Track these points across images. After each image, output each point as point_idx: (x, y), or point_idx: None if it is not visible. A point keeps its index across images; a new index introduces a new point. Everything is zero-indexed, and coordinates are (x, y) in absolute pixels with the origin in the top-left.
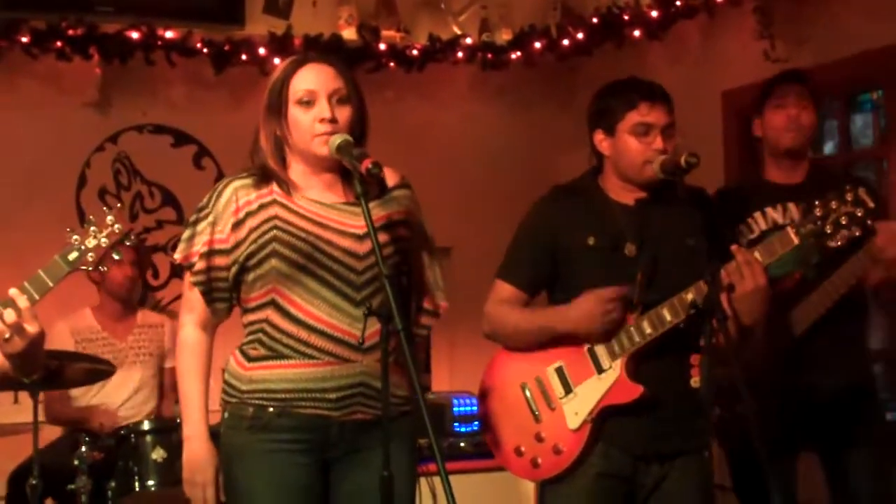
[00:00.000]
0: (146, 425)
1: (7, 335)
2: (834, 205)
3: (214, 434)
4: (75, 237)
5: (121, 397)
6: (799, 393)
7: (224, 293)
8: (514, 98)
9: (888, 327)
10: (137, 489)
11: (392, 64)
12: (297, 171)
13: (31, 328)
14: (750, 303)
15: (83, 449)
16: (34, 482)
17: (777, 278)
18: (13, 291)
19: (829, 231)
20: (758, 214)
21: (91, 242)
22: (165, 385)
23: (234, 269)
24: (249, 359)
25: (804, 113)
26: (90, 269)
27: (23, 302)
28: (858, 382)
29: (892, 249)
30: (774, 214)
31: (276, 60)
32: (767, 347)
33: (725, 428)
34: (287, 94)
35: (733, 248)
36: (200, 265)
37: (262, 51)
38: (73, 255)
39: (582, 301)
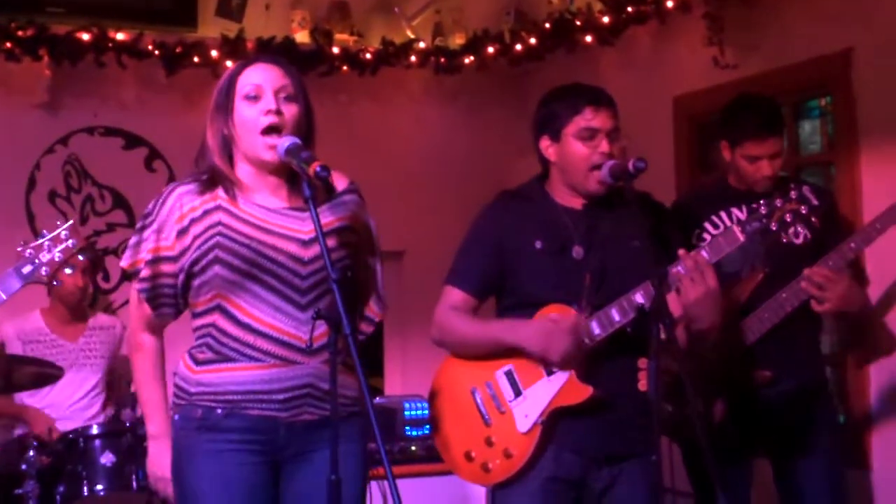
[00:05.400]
0: (95, 429)
1: None
2: (779, 202)
3: None
4: (29, 250)
5: (70, 399)
6: (754, 397)
7: (169, 299)
8: (467, 102)
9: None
10: (86, 494)
11: (345, 67)
12: (243, 171)
13: None
14: (703, 307)
15: (31, 454)
16: None
17: (732, 275)
18: None
19: (774, 228)
20: (723, 213)
21: (45, 256)
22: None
23: (181, 277)
24: (197, 362)
25: (777, 163)
26: (44, 282)
27: None
28: (812, 385)
29: (829, 295)
30: (739, 214)
31: (229, 63)
32: (723, 352)
33: (677, 427)
34: (234, 91)
35: (681, 252)
36: (146, 272)
37: (214, 53)
38: (27, 269)
39: (537, 321)
